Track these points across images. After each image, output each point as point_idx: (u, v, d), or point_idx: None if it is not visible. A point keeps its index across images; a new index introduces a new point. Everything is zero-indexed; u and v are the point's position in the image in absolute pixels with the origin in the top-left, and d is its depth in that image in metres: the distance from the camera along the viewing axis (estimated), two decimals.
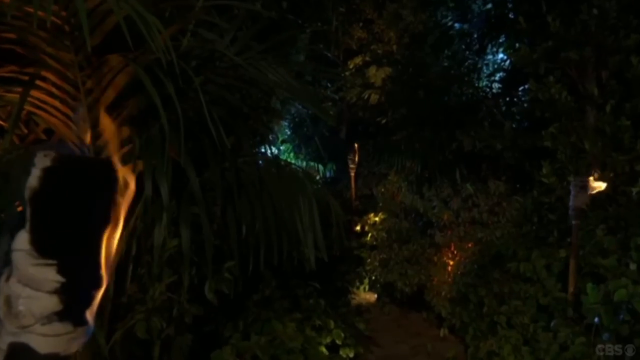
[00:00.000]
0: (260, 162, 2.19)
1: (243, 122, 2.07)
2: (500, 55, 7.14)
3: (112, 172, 0.48)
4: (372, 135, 8.18)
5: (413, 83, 6.54)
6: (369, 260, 6.38)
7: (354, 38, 8.08)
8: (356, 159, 7.38)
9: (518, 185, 5.26)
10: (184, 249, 1.86)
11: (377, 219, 6.73)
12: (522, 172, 5.07)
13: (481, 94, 6.15)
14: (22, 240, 0.43)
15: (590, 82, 4.50)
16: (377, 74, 7.34)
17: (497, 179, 5.19)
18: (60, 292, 0.45)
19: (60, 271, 0.45)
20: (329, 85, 8.43)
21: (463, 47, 7.14)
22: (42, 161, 0.43)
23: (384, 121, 7.18)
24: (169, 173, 1.85)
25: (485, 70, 6.85)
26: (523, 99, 5.45)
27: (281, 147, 9.56)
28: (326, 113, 2.67)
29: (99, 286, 0.49)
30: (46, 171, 0.44)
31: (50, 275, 0.45)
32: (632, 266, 2.82)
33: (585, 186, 3.57)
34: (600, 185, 3.52)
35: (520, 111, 5.00)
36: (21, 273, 0.43)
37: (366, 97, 7.37)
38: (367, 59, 7.33)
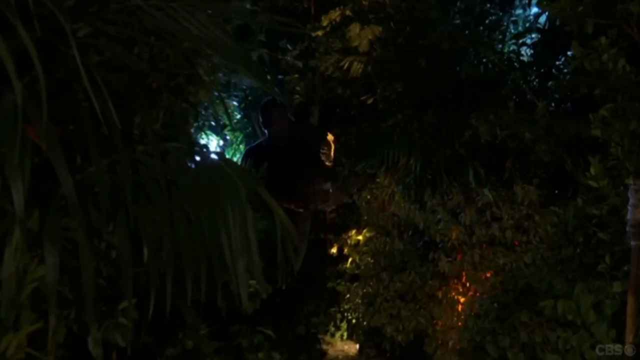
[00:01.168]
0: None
1: (146, 96, 1.89)
2: (534, 10, 7.26)
3: None
4: (354, 120, 8.14)
5: (412, 48, 6.49)
6: (348, 295, 6.35)
7: None
8: (332, 153, 7.33)
9: (557, 192, 5.29)
10: (49, 280, 1.69)
11: (360, 237, 6.78)
12: (562, 172, 5.08)
13: (506, 63, 6.15)
14: None
15: None
16: (361, 35, 7.31)
17: (526, 182, 5.16)
18: None
19: None
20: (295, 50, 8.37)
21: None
22: None
23: (370, 101, 7.16)
24: (26, 167, 1.68)
25: (512, 30, 6.90)
26: (565, 70, 5.46)
27: (227, 137, 9.50)
28: (267, 83, 2.53)
29: None
30: None
31: None
32: None
33: None
34: None
35: (559, 87, 5.01)
36: None
37: (346, 66, 7.31)
38: (349, 13, 7.31)
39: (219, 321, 3.41)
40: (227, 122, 8.35)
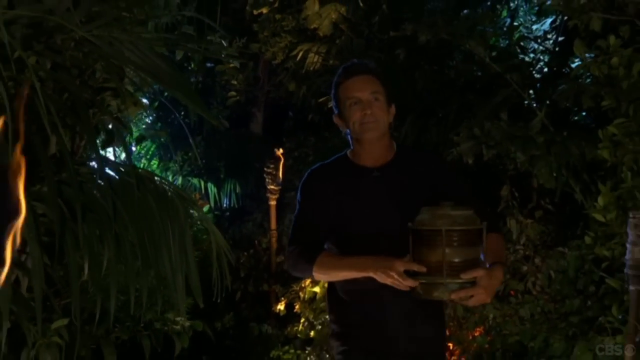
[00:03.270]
0: (109, 171, 2.88)
1: (85, 114, 2.77)
2: None
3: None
4: (311, 128, 8.90)
5: (386, 34, 7.34)
6: None
7: None
8: (280, 174, 8.10)
9: (565, 228, 6.20)
10: None
11: (317, 289, 7.40)
12: (572, 203, 6.04)
13: (514, 61, 7.07)
14: None
15: None
16: (322, 14, 8.10)
17: (526, 216, 6.06)
18: None
19: None
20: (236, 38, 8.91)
21: None
22: None
23: (332, 104, 7.97)
24: None
25: (520, 18, 7.74)
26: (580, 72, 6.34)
27: (133, 149, 10.08)
28: (206, 111, 3.46)
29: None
30: None
31: None
32: None
33: None
34: None
35: (559, 96, 5.83)
36: None
37: (300, 56, 8.10)
38: None
39: None
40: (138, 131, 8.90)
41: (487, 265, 3.00)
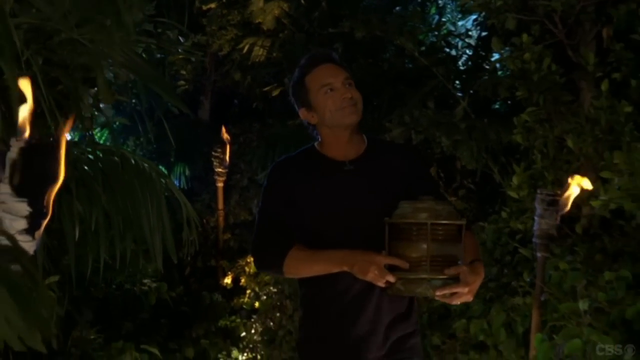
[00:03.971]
0: (97, 152, 3.35)
1: (76, 103, 3.23)
2: None
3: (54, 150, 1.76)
4: (255, 115, 9.31)
5: (325, 30, 7.83)
6: (243, 334, 7.56)
7: None
8: (227, 157, 8.44)
9: (486, 206, 6.77)
10: None
11: None
12: (490, 181, 6.61)
13: (441, 53, 7.64)
14: (5, 188, 1.73)
15: (588, 44, 6.13)
16: (266, 9, 8.55)
17: (451, 194, 6.60)
18: (28, 217, 1.74)
19: (28, 205, 1.76)
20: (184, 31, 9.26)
21: None
22: (16, 144, 1.75)
23: (277, 92, 8.47)
24: None
25: (448, 14, 8.31)
26: (498, 66, 6.97)
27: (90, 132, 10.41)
28: (178, 102, 3.91)
29: (45, 217, 1.78)
30: (20, 149, 1.74)
31: (23, 207, 1.74)
32: (583, 305, 4.29)
33: (554, 202, 5.08)
34: (571, 199, 5.04)
35: (480, 87, 6.42)
36: (7, 206, 1.71)
37: (246, 49, 8.54)
38: None
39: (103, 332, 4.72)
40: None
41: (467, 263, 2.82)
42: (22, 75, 2.92)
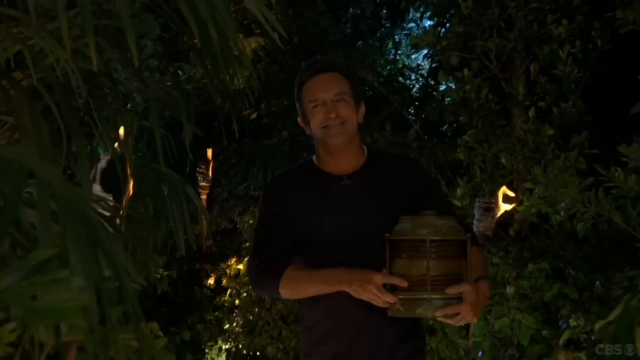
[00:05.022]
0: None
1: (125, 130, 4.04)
2: (429, 23, 9.60)
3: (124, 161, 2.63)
4: (235, 136, 10.01)
5: (298, 61, 8.17)
6: (227, 327, 8.34)
7: None
8: (210, 172, 9.08)
9: None
10: None
11: (241, 267, 8.60)
12: None
13: (396, 83, 8.49)
14: (97, 187, 2.63)
15: (518, 78, 7.02)
16: (245, 44, 9.29)
17: None
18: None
19: (114, 198, 2.65)
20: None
21: (372, 6, 9.46)
22: (104, 157, 2.64)
23: (254, 116, 9.11)
24: None
25: (403, 48, 9.12)
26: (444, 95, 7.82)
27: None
28: (193, 128, 4.68)
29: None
30: (108, 162, 2.62)
31: (109, 198, 2.62)
32: (510, 290, 5.17)
33: (490, 209, 5.95)
34: (507, 207, 5.91)
35: (430, 113, 7.31)
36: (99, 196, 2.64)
37: (227, 77, 9.26)
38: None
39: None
40: None
41: (472, 281, 2.59)
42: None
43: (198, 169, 9.04)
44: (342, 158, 2.86)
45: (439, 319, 2.58)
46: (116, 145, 3.35)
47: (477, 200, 5.99)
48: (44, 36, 2.37)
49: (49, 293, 1.08)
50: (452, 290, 2.47)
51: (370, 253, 2.65)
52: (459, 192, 6.65)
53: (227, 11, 1.98)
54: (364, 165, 2.90)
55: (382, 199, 2.82)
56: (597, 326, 3.79)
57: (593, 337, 4.79)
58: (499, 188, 6.48)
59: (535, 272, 5.43)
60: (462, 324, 2.63)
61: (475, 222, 5.96)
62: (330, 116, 2.76)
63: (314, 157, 2.98)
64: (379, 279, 2.51)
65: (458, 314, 2.50)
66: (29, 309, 1.06)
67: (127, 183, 2.69)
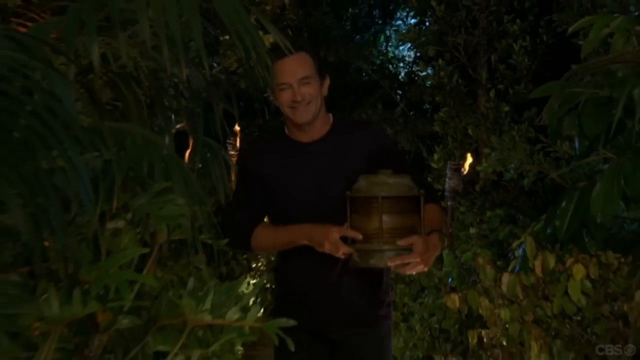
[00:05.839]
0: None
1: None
2: (413, 21, 9.94)
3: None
4: (258, 113, 10.41)
5: None
6: (254, 265, 8.77)
7: None
8: (237, 143, 8.92)
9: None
10: None
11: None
12: (419, 158, 7.85)
13: (388, 70, 8.87)
14: None
15: (482, 66, 7.39)
16: (263, 39, 9.67)
17: None
18: None
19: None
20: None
21: (367, 7, 9.84)
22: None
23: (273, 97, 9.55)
24: None
25: (392, 41, 9.52)
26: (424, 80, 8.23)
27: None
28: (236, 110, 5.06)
29: None
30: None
31: None
32: (473, 230, 5.58)
33: (458, 169, 6.34)
34: (468, 167, 6.30)
35: (412, 94, 7.77)
36: None
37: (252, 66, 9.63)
38: (252, 21, 9.63)
39: None
40: None
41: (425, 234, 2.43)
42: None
43: (228, 140, 9.15)
44: (308, 129, 2.67)
45: (393, 268, 2.41)
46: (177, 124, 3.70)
47: (448, 163, 6.37)
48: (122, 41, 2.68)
49: (165, 207, 1.54)
50: (402, 242, 2.34)
51: (333, 209, 2.48)
52: (435, 156, 7.08)
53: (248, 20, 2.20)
54: (327, 133, 2.71)
55: (342, 162, 2.64)
56: (515, 243, 4.03)
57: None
58: (466, 153, 6.89)
59: (492, 217, 5.82)
60: (413, 272, 2.44)
61: (447, 179, 6.34)
62: (296, 99, 2.56)
63: (285, 127, 2.78)
64: (336, 232, 2.38)
65: (409, 263, 2.35)
66: (156, 216, 1.54)
67: (186, 149, 2.99)
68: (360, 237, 2.35)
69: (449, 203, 6.39)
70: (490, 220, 5.83)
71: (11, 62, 1.57)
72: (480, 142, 6.92)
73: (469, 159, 6.56)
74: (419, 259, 2.34)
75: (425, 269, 2.42)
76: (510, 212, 6.01)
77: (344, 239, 2.38)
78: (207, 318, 1.63)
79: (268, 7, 9.90)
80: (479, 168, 6.18)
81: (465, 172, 6.35)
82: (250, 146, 2.96)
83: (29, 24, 2.72)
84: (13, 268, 1.55)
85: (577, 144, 2.61)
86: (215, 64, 9.83)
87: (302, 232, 2.51)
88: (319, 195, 2.62)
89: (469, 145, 7.02)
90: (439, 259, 6.39)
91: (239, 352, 4.00)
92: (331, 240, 2.38)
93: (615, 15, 2.58)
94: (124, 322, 1.68)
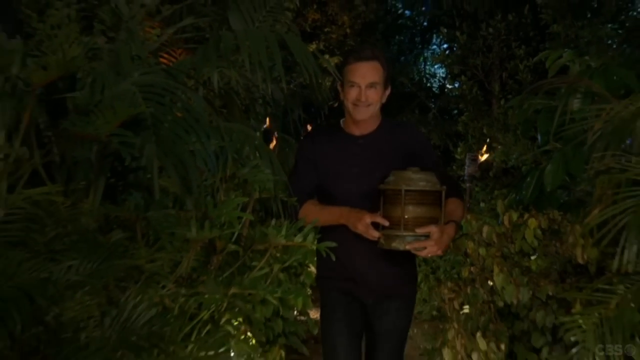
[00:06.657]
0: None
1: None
2: (445, 45, 10.32)
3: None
4: (324, 117, 10.94)
5: None
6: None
7: (307, 20, 10.84)
8: None
9: (446, 164, 8.45)
10: None
11: None
12: (447, 151, 8.27)
13: (424, 84, 9.31)
14: None
15: (495, 81, 7.76)
16: (329, 60, 10.17)
17: None
18: None
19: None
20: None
21: (409, 35, 10.28)
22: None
23: (336, 104, 9.94)
24: None
25: (429, 62, 9.90)
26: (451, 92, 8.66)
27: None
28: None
29: None
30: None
31: None
32: (483, 205, 6.00)
33: (475, 159, 6.76)
34: (483, 158, 6.71)
35: (442, 103, 8.22)
36: None
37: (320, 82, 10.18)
38: (322, 47, 10.05)
39: None
40: None
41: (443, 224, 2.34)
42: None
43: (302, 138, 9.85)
44: (361, 124, 2.57)
45: (412, 251, 2.32)
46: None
47: (467, 155, 6.80)
48: (225, 65, 3.05)
49: (258, 175, 2.06)
50: (420, 230, 2.27)
51: (370, 197, 2.43)
52: (459, 150, 7.47)
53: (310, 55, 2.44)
54: (376, 130, 2.60)
55: (384, 156, 2.54)
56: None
57: None
58: (481, 147, 7.29)
59: (498, 195, 6.23)
60: (429, 255, 2.36)
61: (466, 167, 6.77)
62: (360, 98, 2.45)
63: (342, 120, 2.66)
64: (368, 217, 2.34)
65: (425, 247, 2.28)
66: (252, 181, 2.06)
67: (270, 142, 3.46)
68: (386, 223, 2.31)
69: (467, 184, 6.83)
70: (497, 197, 6.23)
71: (164, 84, 1.98)
72: (492, 139, 7.29)
73: (484, 152, 6.98)
74: (433, 245, 2.28)
75: (440, 253, 2.35)
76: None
77: (375, 224, 2.34)
78: (282, 241, 2.11)
79: (334, 36, 10.42)
80: (489, 159, 6.58)
81: (480, 161, 6.77)
82: (310, 135, 2.90)
83: (167, 55, 3.19)
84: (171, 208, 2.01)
85: (539, 138, 3.06)
86: (293, 80, 10.39)
87: (342, 214, 2.46)
88: (360, 182, 2.53)
89: (484, 141, 7.39)
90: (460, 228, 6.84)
91: (309, 293, 4.23)
92: (363, 224, 2.34)
93: (566, 50, 3.01)
94: (232, 247, 2.14)
